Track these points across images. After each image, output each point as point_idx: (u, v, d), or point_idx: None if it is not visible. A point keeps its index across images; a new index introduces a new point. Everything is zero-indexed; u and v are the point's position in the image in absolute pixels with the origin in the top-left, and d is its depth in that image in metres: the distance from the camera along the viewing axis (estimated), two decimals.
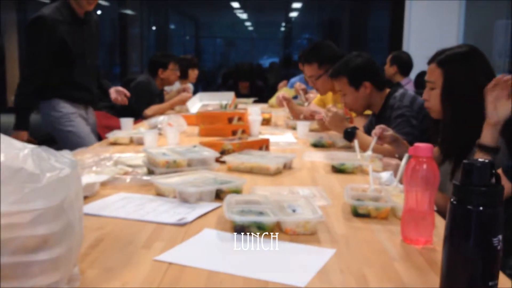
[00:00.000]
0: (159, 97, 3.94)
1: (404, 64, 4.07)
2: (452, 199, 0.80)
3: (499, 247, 0.77)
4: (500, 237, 0.77)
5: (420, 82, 4.23)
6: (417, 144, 1.19)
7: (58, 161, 0.94)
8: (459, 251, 0.78)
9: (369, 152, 1.82)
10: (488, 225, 0.77)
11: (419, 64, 4.70)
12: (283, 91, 4.21)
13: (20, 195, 0.85)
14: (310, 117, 2.76)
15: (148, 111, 3.65)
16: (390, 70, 4.28)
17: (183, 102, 3.71)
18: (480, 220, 0.77)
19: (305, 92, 3.61)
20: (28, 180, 0.86)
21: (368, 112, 2.51)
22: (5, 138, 0.91)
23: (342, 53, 2.89)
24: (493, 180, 0.78)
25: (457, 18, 5.20)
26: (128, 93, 2.98)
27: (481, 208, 0.77)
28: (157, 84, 3.91)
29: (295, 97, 3.85)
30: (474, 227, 0.77)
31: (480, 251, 0.77)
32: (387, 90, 2.29)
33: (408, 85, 4.01)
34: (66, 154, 1.00)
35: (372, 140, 1.88)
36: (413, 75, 4.44)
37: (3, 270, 0.77)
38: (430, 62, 1.67)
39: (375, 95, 2.26)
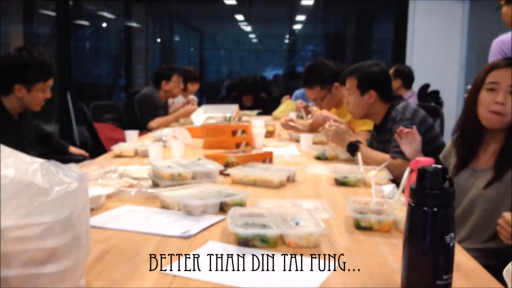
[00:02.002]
0: (163, 110, 3.97)
1: (407, 77, 4.09)
2: (409, 202, 0.87)
3: (451, 244, 0.84)
4: (452, 234, 0.84)
5: (424, 94, 4.24)
6: (418, 158, 1.21)
7: (66, 175, 0.96)
8: (417, 248, 0.86)
9: (374, 172, 1.81)
10: (441, 224, 0.85)
11: (423, 76, 4.74)
12: (287, 104, 4.24)
13: (29, 208, 0.87)
14: (323, 122, 2.73)
15: (153, 123, 3.68)
16: (394, 84, 4.28)
17: (187, 114, 3.74)
18: (434, 220, 0.84)
19: (306, 108, 3.65)
20: (37, 194, 0.88)
21: (369, 127, 2.52)
22: (15, 153, 0.93)
23: (338, 68, 2.92)
24: (446, 184, 0.86)
25: (461, 30, 5.24)
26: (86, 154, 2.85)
27: (435, 209, 0.84)
28: (161, 97, 3.95)
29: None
30: (429, 226, 0.85)
31: (435, 247, 0.84)
32: (390, 103, 2.30)
33: (411, 98, 4.02)
34: (73, 167, 1.02)
35: (381, 161, 1.86)
36: (416, 87, 4.45)
37: (13, 282, 0.79)
38: (504, 66, 1.57)
39: (378, 106, 2.27)
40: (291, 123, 3.05)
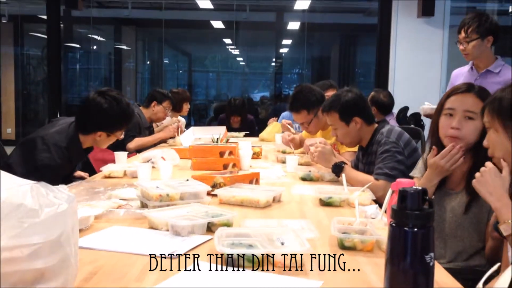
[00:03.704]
0: (148, 130, 3.99)
1: (381, 105, 4.12)
2: (391, 222, 0.90)
3: (431, 263, 0.88)
4: (432, 254, 0.87)
5: (404, 117, 4.31)
6: (399, 180, 1.26)
7: (56, 196, 0.98)
8: (398, 267, 0.88)
9: (357, 193, 1.83)
10: (421, 244, 0.88)
11: (405, 99, 4.87)
12: (273, 126, 4.29)
13: (19, 230, 0.88)
14: (308, 150, 2.77)
15: (131, 144, 3.68)
16: None
17: (167, 136, 3.77)
18: (414, 240, 0.88)
19: (292, 125, 3.69)
20: (27, 216, 0.90)
21: (354, 148, 2.56)
22: (5, 174, 0.95)
23: (333, 86, 2.97)
24: (426, 205, 0.89)
25: (440, 56, 5.40)
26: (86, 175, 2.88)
27: (415, 229, 0.88)
28: (147, 117, 3.98)
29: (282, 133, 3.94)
30: (409, 246, 0.88)
31: (415, 267, 0.87)
32: (375, 125, 2.34)
33: (391, 121, 4.09)
34: (62, 189, 1.04)
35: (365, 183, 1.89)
36: (397, 110, 4.53)
37: None
38: (463, 91, 1.65)
39: (364, 130, 2.30)
40: (291, 144, 3.10)
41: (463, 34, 2.71)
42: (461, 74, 2.98)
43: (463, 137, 1.62)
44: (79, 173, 2.87)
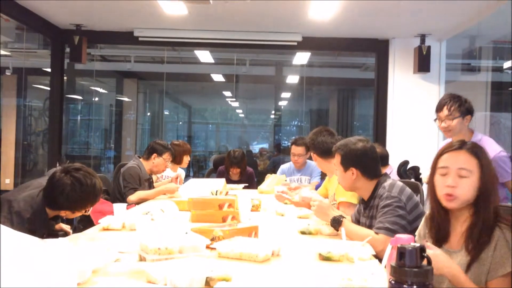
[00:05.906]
0: (148, 181, 4.00)
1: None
2: (390, 279, 0.91)
3: None
4: None
5: (404, 170, 4.33)
6: (398, 236, 1.27)
7: (54, 250, 0.99)
8: None
9: (357, 247, 1.82)
10: None
11: (403, 152, 4.92)
12: (272, 177, 4.31)
13: (18, 284, 0.88)
14: (303, 204, 2.78)
15: (132, 196, 3.68)
16: None
17: (170, 192, 3.77)
18: None
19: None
20: (26, 270, 0.90)
21: (351, 199, 2.58)
22: (6, 230, 0.96)
23: (328, 144, 2.98)
24: (424, 261, 0.90)
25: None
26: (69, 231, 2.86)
27: (414, 286, 0.89)
28: (147, 169, 4.00)
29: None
30: None
31: None
32: (377, 180, 2.34)
33: (391, 174, 4.11)
34: (62, 242, 1.05)
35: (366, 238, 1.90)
36: (396, 163, 4.56)
37: None
38: (455, 149, 1.67)
39: (362, 182, 2.31)
40: (284, 195, 3.12)
41: (446, 112, 2.83)
42: None
43: (458, 195, 1.62)
44: (61, 226, 2.85)
